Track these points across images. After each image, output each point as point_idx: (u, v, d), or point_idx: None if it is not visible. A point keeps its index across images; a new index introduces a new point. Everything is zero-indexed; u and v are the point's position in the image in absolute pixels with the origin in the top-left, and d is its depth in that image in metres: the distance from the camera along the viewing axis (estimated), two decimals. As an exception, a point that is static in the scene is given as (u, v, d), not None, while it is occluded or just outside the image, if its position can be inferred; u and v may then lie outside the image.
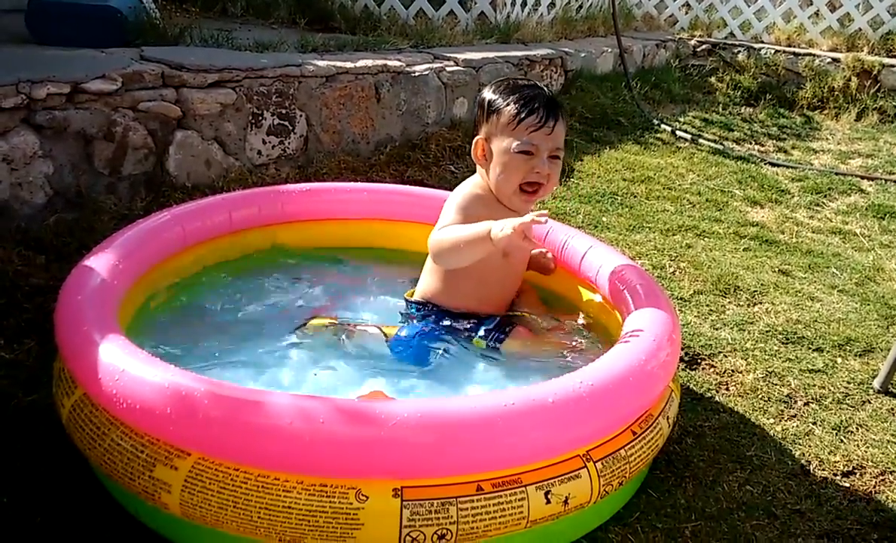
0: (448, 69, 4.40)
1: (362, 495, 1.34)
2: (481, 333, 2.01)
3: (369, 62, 3.89)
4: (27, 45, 3.46)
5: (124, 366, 1.45)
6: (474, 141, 2.03)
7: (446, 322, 2.04)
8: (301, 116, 3.52)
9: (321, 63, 3.64)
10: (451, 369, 1.94)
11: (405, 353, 1.95)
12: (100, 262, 1.81)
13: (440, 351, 1.96)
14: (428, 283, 2.11)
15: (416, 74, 4.16)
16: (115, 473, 1.45)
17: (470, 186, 2.07)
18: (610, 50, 6.26)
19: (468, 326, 2.04)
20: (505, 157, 1.95)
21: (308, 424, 1.34)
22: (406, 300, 2.17)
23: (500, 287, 2.15)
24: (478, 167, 2.07)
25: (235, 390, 1.44)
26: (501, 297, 2.15)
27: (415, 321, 2.08)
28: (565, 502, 1.44)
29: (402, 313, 2.17)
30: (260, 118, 3.33)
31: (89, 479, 1.63)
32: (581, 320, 2.18)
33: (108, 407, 1.47)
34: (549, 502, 1.42)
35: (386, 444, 1.35)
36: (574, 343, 2.05)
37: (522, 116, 1.92)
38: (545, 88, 2.05)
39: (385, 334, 1.98)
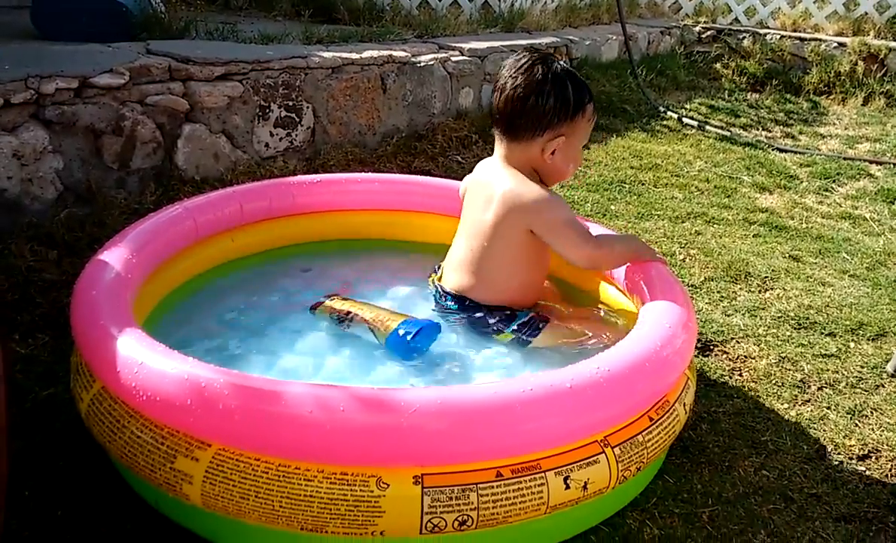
0: (453, 59, 4.39)
1: (383, 483, 1.35)
2: (513, 327, 2.00)
3: (374, 53, 3.89)
4: (33, 41, 3.47)
5: (143, 359, 1.45)
6: (556, 139, 1.96)
7: (479, 314, 2.03)
8: (308, 107, 3.52)
9: (327, 55, 3.64)
10: (445, 362, 1.92)
11: (398, 350, 1.91)
12: (114, 256, 1.81)
13: (434, 347, 1.94)
14: (469, 281, 2.05)
15: (422, 64, 4.16)
16: (135, 465, 1.46)
17: (537, 186, 1.97)
18: (615, 37, 6.24)
19: (499, 319, 2.02)
20: (579, 150, 2.07)
21: (328, 413, 1.34)
22: (439, 288, 2.13)
23: (541, 282, 2.16)
24: (524, 156, 2.00)
25: (255, 380, 1.45)
26: (539, 291, 2.15)
27: (443, 312, 2.08)
28: (584, 487, 1.44)
29: (436, 301, 2.14)
30: (267, 111, 3.33)
31: (109, 471, 1.64)
32: (601, 312, 2.18)
33: (128, 400, 1.47)
34: (568, 487, 1.43)
35: (406, 432, 1.35)
36: (600, 333, 2.04)
37: (594, 111, 2.05)
38: None
39: (374, 333, 1.93)
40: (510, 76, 1.97)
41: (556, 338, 2.01)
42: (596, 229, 2.26)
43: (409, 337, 1.86)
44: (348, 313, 1.99)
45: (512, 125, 1.99)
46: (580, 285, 2.33)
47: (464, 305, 2.07)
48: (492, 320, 2.02)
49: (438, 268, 2.21)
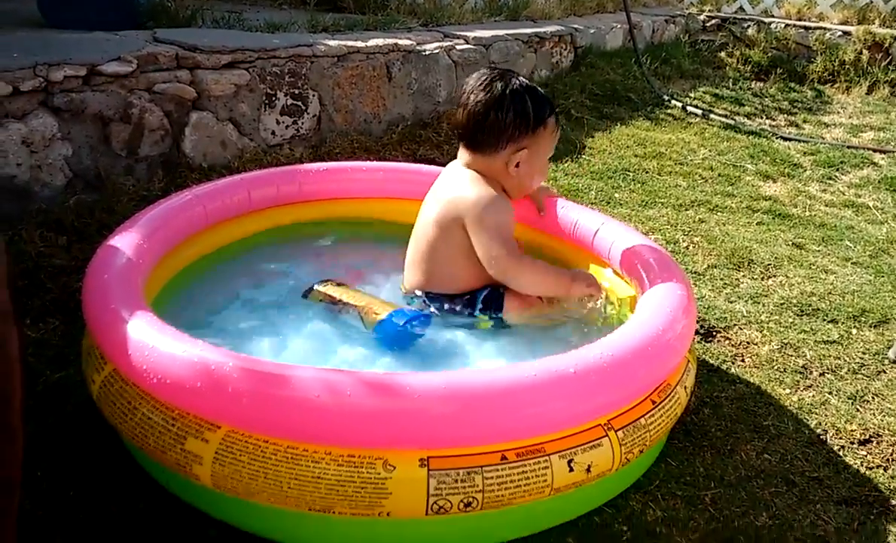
0: (458, 47, 4.40)
1: (389, 465, 1.37)
2: (479, 307, 2.04)
3: (380, 41, 3.89)
4: (40, 29, 3.49)
5: (154, 342, 1.48)
6: (519, 153, 2.02)
7: (446, 306, 2.07)
8: (314, 95, 3.53)
9: (332, 43, 3.65)
10: (432, 349, 1.95)
11: (385, 340, 1.93)
12: (125, 241, 1.83)
13: (424, 336, 1.96)
14: (424, 277, 2.09)
15: (427, 52, 4.16)
16: (146, 446, 1.49)
17: (488, 189, 2.01)
18: (619, 26, 6.24)
19: (464, 304, 2.05)
20: (544, 163, 2.13)
21: (336, 396, 1.37)
22: (413, 296, 2.13)
23: None
24: (487, 167, 2.05)
25: (264, 364, 1.47)
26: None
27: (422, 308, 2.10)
28: (588, 470, 1.47)
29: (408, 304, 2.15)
30: (273, 98, 3.34)
31: (120, 453, 1.67)
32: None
33: (139, 382, 1.50)
34: (572, 470, 1.45)
35: (412, 415, 1.38)
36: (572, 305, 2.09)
37: (558, 124, 2.11)
38: None
39: (364, 321, 1.96)
40: (471, 92, 2.04)
41: (521, 310, 2.05)
42: (594, 216, 2.28)
43: (400, 323, 1.89)
44: (340, 300, 2.02)
45: (474, 140, 2.06)
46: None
47: (427, 299, 2.09)
48: (457, 308, 2.06)
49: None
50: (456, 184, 2.07)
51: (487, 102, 2.01)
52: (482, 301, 2.05)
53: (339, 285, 2.09)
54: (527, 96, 2.02)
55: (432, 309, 2.07)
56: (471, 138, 2.06)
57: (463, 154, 2.10)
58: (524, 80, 2.08)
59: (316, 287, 2.09)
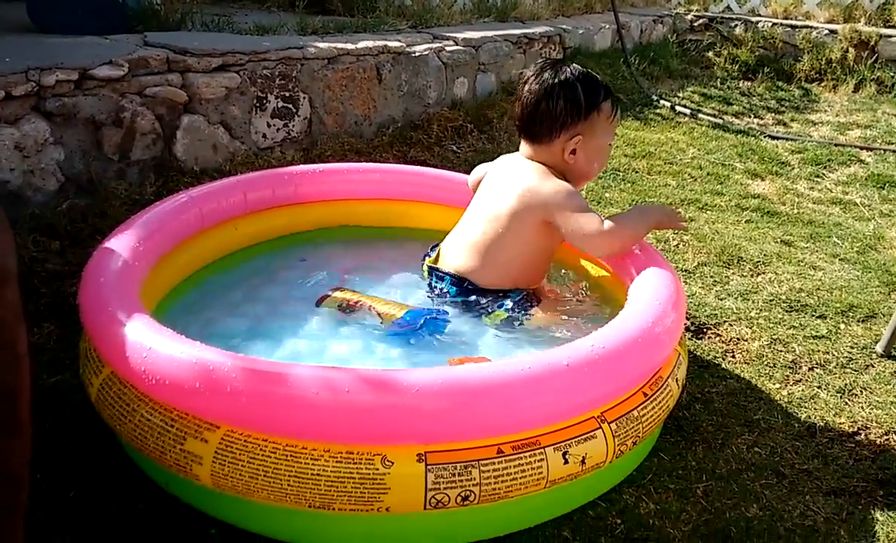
0: (448, 49, 4.42)
1: (388, 460, 1.39)
2: (508, 305, 2.05)
3: (370, 44, 3.91)
4: (30, 34, 3.48)
5: (152, 344, 1.49)
6: (573, 139, 2.05)
7: (472, 298, 2.08)
8: (304, 98, 3.54)
9: (322, 45, 3.66)
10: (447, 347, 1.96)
11: (402, 337, 1.95)
12: (120, 244, 1.85)
13: (437, 336, 1.97)
14: (472, 264, 2.10)
15: (417, 54, 4.18)
16: (145, 447, 1.50)
17: (557, 180, 2.05)
18: (607, 26, 6.27)
19: (491, 299, 2.07)
20: (603, 149, 2.14)
21: (333, 394, 1.38)
22: (436, 270, 2.16)
23: (542, 274, 2.20)
24: (547, 156, 2.09)
25: (262, 363, 1.48)
26: (538, 281, 2.19)
27: (439, 295, 2.12)
28: (582, 462, 1.49)
29: (430, 285, 2.18)
30: (264, 101, 3.35)
31: (119, 454, 1.68)
32: (586, 288, 2.25)
33: (138, 384, 1.51)
34: (566, 462, 1.47)
35: (409, 411, 1.40)
36: (586, 309, 2.12)
37: (617, 108, 2.13)
38: None
39: (381, 318, 1.98)
40: (524, 84, 2.10)
41: (546, 319, 2.06)
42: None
43: (420, 321, 1.92)
44: (357, 302, 2.03)
45: (530, 131, 2.11)
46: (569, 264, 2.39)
47: (462, 287, 2.11)
48: (484, 301, 2.07)
49: (433, 251, 2.24)
50: (527, 177, 2.08)
51: (538, 92, 2.06)
52: (512, 303, 2.06)
53: (353, 291, 2.11)
54: (578, 84, 2.05)
55: (455, 301, 2.08)
56: (527, 130, 2.12)
57: (524, 147, 2.15)
58: (578, 67, 2.10)
59: (331, 294, 2.09)
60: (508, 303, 2.05)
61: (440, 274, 2.15)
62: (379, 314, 1.97)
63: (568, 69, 2.08)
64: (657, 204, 2.10)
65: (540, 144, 2.10)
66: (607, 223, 2.00)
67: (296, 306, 2.10)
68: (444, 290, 2.13)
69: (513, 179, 2.10)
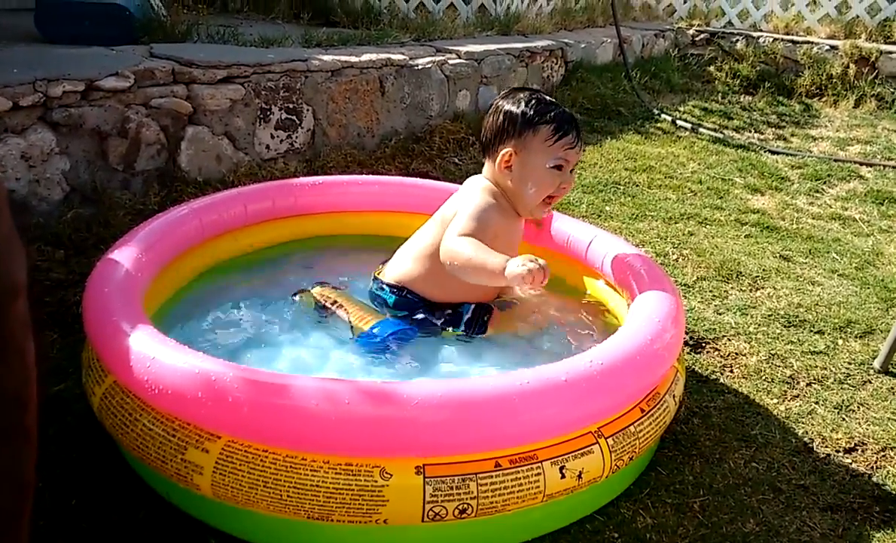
0: (450, 62, 4.45)
1: (386, 473, 1.40)
2: (461, 329, 2.06)
3: (373, 56, 3.95)
4: (37, 45, 3.52)
5: (155, 354, 1.51)
6: (502, 152, 2.06)
7: (420, 316, 2.08)
8: (308, 110, 3.57)
9: (326, 58, 3.70)
10: (421, 359, 1.97)
11: (370, 347, 1.96)
12: (124, 254, 1.87)
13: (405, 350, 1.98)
14: (411, 270, 2.11)
15: (419, 67, 4.22)
16: (147, 457, 1.51)
17: (484, 195, 2.08)
18: (609, 40, 6.31)
19: (444, 320, 2.08)
20: (538, 172, 2.05)
21: (334, 406, 1.40)
22: (378, 280, 2.17)
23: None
24: (491, 173, 2.12)
25: (263, 374, 1.50)
26: (489, 291, 2.17)
27: (388, 313, 2.11)
28: (579, 477, 1.51)
29: (372, 293, 2.18)
30: (268, 113, 3.38)
31: (120, 464, 1.70)
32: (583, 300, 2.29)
33: (140, 394, 1.53)
34: (563, 477, 1.49)
35: (408, 424, 1.41)
36: (557, 317, 2.15)
37: (560, 134, 2.03)
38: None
39: (353, 328, 2.00)
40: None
41: (502, 327, 2.08)
42: (586, 229, 2.33)
43: (381, 335, 1.94)
44: (335, 302, 2.06)
45: (480, 146, 2.17)
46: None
47: (402, 296, 2.11)
48: (437, 321, 2.08)
49: (383, 264, 2.24)
50: (465, 190, 2.15)
51: (488, 109, 2.14)
52: (464, 325, 2.06)
53: (334, 288, 2.14)
54: (521, 103, 2.06)
55: (400, 313, 2.09)
56: (481, 147, 2.17)
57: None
58: (540, 95, 2.10)
59: (310, 289, 2.13)
60: (461, 327, 2.06)
61: (380, 284, 2.16)
62: (351, 325, 2.01)
63: (525, 93, 2.09)
64: (524, 263, 1.84)
65: (486, 158, 2.13)
66: (451, 239, 1.97)
67: (294, 313, 2.12)
68: (384, 299, 2.13)
69: (460, 191, 2.17)
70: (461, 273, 1.96)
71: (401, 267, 2.14)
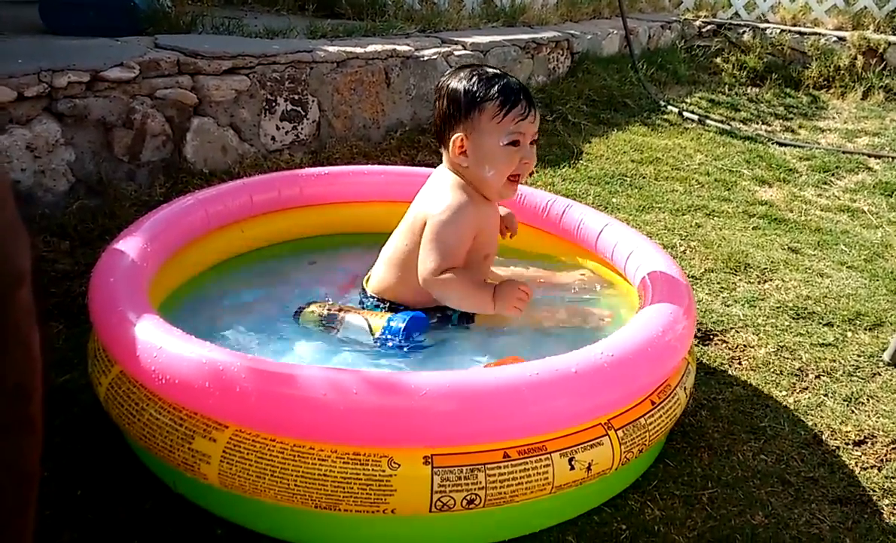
0: (456, 53, 4.43)
1: (394, 462, 1.40)
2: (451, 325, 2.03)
3: (378, 47, 3.93)
4: (42, 36, 3.51)
5: (161, 343, 1.50)
6: (453, 138, 1.93)
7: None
8: (313, 101, 3.56)
9: (332, 49, 3.68)
10: (438, 353, 1.95)
11: (400, 337, 1.91)
12: (129, 245, 1.86)
13: (426, 339, 1.95)
14: (389, 281, 2.05)
15: (425, 58, 4.20)
16: (153, 446, 1.51)
17: (454, 194, 1.96)
18: (615, 32, 6.28)
19: (435, 320, 2.02)
20: (494, 151, 1.92)
21: (342, 395, 1.39)
22: (364, 291, 2.12)
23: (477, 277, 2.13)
24: (450, 162, 2.00)
25: (271, 364, 1.50)
26: None
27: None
28: (588, 468, 1.49)
29: (361, 303, 2.12)
30: (273, 104, 3.37)
31: (126, 454, 1.69)
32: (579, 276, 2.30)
33: (147, 383, 1.52)
34: (572, 468, 1.48)
35: (416, 414, 1.40)
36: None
37: (507, 107, 1.89)
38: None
39: (371, 328, 1.94)
40: None
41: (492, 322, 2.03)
42: (597, 217, 2.31)
43: (402, 325, 1.90)
44: (340, 309, 2.00)
45: (433, 134, 2.05)
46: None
47: (388, 308, 2.04)
48: (430, 321, 2.01)
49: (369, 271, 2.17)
50: (431, 186, 2.04)
51: (434, 94, 2.00)
52: (453, 323, 2.03)
53: (332, 304, 2.06)
54: (463, 82, 1.92)
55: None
56: (434, 135, 2.06)
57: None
58: (485, 69, 1.96)
59: (306, 308, 2.04)
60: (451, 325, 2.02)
61: (367, 295, 2.10)
62: (366, 320, 1.95)
63: (466, 71, 1.95)
64: (511, 292, 1.90)
65: (442, 147, 2.01)
66: (443, 276, 1.90)
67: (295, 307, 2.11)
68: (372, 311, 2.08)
69: (423, 190, 2.06)
70: (449, 302, 1.96)
71: (381, 278, 2.07)
